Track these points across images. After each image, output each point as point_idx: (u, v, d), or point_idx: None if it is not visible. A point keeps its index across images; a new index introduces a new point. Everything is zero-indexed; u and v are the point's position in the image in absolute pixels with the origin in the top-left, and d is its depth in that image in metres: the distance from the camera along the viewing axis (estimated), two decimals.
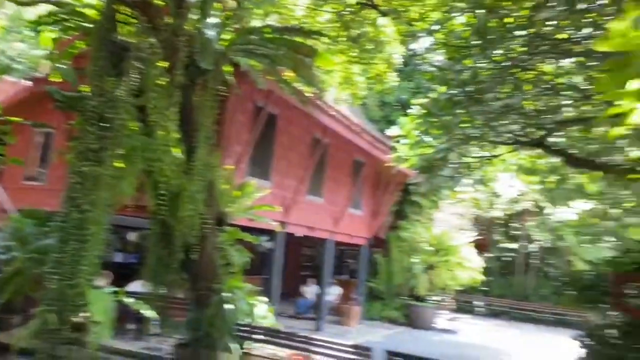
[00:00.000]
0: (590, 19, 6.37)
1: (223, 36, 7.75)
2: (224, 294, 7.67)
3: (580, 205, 14.63)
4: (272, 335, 8.09)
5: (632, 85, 1.98)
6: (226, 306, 7.54)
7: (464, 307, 23.21)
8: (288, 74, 8.06)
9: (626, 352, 5.80)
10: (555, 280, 22.47)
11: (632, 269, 6.67)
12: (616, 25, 1.84)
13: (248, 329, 8.05)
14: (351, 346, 7.47)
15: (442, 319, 18.69)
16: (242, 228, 9.35)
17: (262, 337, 8.04)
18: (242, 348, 7.70)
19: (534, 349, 15.58)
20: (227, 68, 7.78)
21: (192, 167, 7.18)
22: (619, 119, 2.22)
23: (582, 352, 6.60)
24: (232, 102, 10.48)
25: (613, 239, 12.40)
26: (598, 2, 6.00)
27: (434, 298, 18.14)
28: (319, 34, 8.38)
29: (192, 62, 7.18)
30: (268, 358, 7.82)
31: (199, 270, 7.65)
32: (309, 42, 7.82)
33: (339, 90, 11.62)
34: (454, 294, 20.48)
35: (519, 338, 17.78)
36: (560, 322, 20.90)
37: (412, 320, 17.67)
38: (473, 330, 18.74)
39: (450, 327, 18.26)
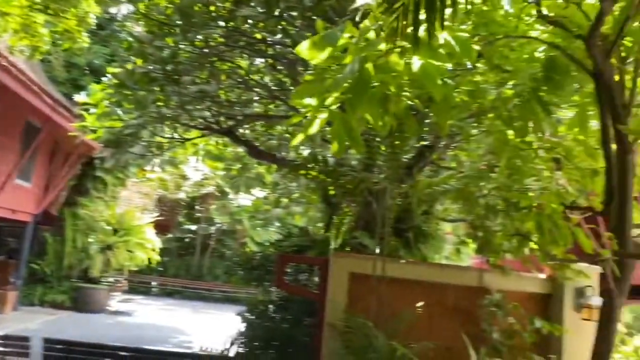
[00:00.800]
0: (282, 27, 7.05)
1: None
2: None
3: (257, 193, 16.19)
4: None
5: (311, 100, 2.25)
6: None
7: (138, 287, 22.90)
8: None
9: (280, 324, 6.69)
10: (229, 261, 24.29)
11: (292, 251, 7.72)
12: (310, 40, 2.04)
13: None
14: (1, 337, 6.44)
15: (116, 301, 17.99)
16: None
17: None
18: None
19: (203, 325, 16.48)
20: None
21: None
22: (301, 124, 2.49)
23: (243, 325, 7.25)
24: None
25: (279, 224, 14.01)
26: (290, 13, 6.67)
27: (109, 279, 17.30)
28: None
29: None
30: None
31: None
32: None
33: (15, 38, 9.85)
34: (129, 275, 19.97)
35: (190, 316, 18.55)
36: (229, 300, 22.69)
37: (81, 303, 16.44)
38: (147, 310, 18.64)
39: (125, 309, 17.74)
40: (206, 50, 7.26)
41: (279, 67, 8.69)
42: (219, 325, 16.31)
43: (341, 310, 5.74)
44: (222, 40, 7.54)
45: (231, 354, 7.31)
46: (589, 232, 4.44)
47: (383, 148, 5.90)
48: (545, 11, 3.61)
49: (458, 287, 6.12)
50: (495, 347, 5.60)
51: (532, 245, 4.59)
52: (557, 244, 4.32)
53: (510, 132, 4.32)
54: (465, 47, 2.32)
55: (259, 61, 8.73)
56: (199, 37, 7.10)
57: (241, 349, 6.89)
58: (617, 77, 3.82)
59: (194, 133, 9.96)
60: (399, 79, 2.24)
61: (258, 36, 7.73)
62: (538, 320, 5.48)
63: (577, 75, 4.02)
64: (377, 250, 6.29)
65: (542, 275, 6.29)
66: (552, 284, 6.15)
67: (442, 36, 1.95)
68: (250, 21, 7.22)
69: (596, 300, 5.63)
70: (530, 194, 4.36)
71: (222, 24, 7.24)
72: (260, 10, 6.52)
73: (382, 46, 2.03)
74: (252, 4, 6.52)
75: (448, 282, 6.15)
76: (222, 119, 9.32)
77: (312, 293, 6.65)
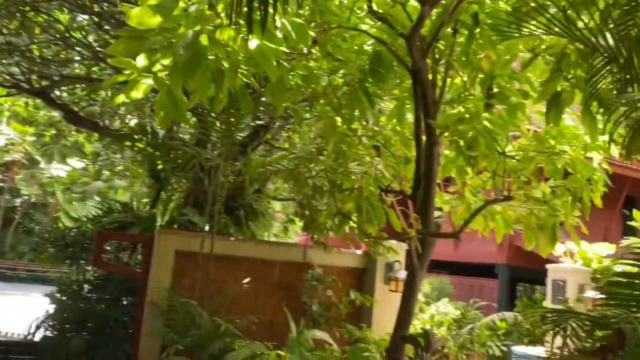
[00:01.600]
0: None
1: None
2: None
3: (74, 164, 14.77)
4: None
5: (140, 60, 2.10)
6: None
7: None
8: None
9: (96, 304, 6.24)
10: (38, 237, 21.84)
11: (114, 228, 7.21)
12: (136, 8, 1.89)
13: None
14: None
15: None
16: None
17: None
18: None
19: (4, 308, 14.65)
20: None
21: None
22: (124, 87, 2.31)
23: (52, 307, 6.62)
24: None
25: (99, 198, 13.05)
26: None
27: None
28: None
29: None
30: None
31: None
32: None
33: None
34: None
35: None
36: (37, 280, 20.49)
37: None
38: None
39: None
40: None
41: (105, 27, 7.95)
42: (24, 308, 14.65)
43: (165, 289, 5.57)
44: None
45: (36, 338, 6.63)
46: (399, 213, 4.94)
47: (217, 124, 5.80)
48: (375, 7, 3.87)
49: (284, 263, 6.36)
50: (314, 319, 5.96)
51: (352, 224, 4.97)
52: (372, 223, 4.73)
53: (338, 119, 4.59)
54: (300, 33, 2.38)
55: (82, 17, 7.88)
56: None
57: (49, 332, 6.29)
58: (430, 76, 4.28)
59: None
60: (235, 55, 2.21)
61: None
62: (353, 292, 5.96)
63: (398, 70, 4.41)
64: (207, 228, 6.22)
65: (359, 252, 6.84)
66: (367, 259, 6.73)
67: (278, 20, 1.97)
68: None
69: (402, 274, 6.32)
70: (352, 177, 4.67)
71: None
72: None
73: (217, 22, 1.98)
74: None
75: (275, 259, 6.34)
76: (34, 77, 8.25)
77: (134, 272, 6.33)
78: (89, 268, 6.84)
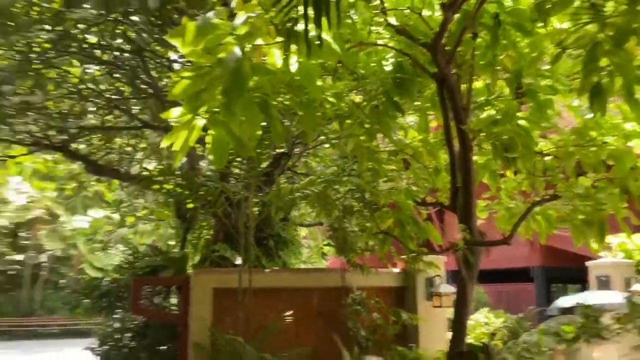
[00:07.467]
0: (122, 31, 6.53)
1: None
2: None
3: (95, 213, 14.82)
4: None
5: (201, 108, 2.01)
6: None
7: None
8: None
9: (138, 352, 6.13)
10: (66, 290, 21.85)
11: (145, 273, 7.15)
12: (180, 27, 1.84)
13: None
14: None
15: None
16: None
17: None
18: None
19: None
20: None
21: None
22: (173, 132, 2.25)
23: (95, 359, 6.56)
24: None
25: (123, 245, 13.02)
26: (132, 17, 6.20)
27: None
28: None
29: None
30: None
31: None
32: None
33: None
34: None
35: (22, 357, 16.29)
36: (69, 334, 20.40)
37: None
38: None
39: None
40: (31, 55, 6.41)
41: (116, 75, 8.04)
42: None
43: (207, 329, 5.46)
44: (48, 45, 6.73)
45: None
46: (437, 226, 4.82)
47: (240, 156, 5.75)
48: (393, 21, 3.82)
49: (322, 290, 6.23)
50: (360, 343, 5.79)
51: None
52: (413, 239, 4.60)
53: (362, 137, 4.51)
54: (329, 50, 2.32)
55: (94, 68, 7.98)
56: (22, 41, 6.25)
57: None
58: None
59: (18, 150, 8.75)
60: (275, 80, 2.15)
61: (92, 40, 7.06)
62: (404, 313, 5.78)
63: (421, 80, 4.34)
64: (239, 262, 6.12)
65: (396, 270, 6.69)
66: (406, 277, 6.57)
67: (322, 36, 1.90)
68: (81, 25, 6.54)
69: (445, 288, 6.15)
70: (387, 193, 4.57)
71: (48, 27, 6.47)
72: (96, 13, 5.94)
73: (260, 42, 1.92)
74: (86, 5, 5.91)
75: (313, 286, 6.22)
76: (52, 132, 8.32)
77: (172, 315, 6.23)
78: (126, 316, 6.76)
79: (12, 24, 6.04)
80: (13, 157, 8.52)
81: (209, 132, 2.09)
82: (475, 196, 4.19)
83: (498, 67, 4.07)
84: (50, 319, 21.77)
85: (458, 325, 4.23)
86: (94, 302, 7.05)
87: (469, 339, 6.21)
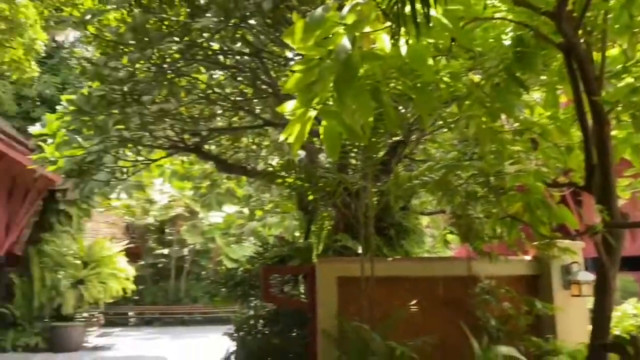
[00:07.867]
0: (240, 35, 6.90)
1: None
2: None
3: (228, 209, 15.89)
4: None
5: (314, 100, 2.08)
6: None
7: (115, 319, 22.15)
8: None
9: (271, 338, 6.49)
10: (207, 281, 23.78)
11: (274, 262, 7.53)
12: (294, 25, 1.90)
13: None
14: None
15: (94, 337, 17.32)
16: None
17: None
18: None
19: (188, 350, 16.03)
20: None
21: None
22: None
23: (232, 344, 7.03)
24: None
25: (254, 238, 13.76)
26: (247, 20, 6.53)
27: (83, 315, 16.63)
28: None
29: None
30: None
31: None
32: None
33: None
34: (104, 308, 19.24)
35: (173, 342, 18.03)
36: (211, 321, 22.17)
37: (57, 344, 15.71)
38: (127, 342, 18.02)
39: (104, 344, 17.09)
40: (164, 66, 7.03)
41: (239, 78, 8.52)
42: (204, 348, 15.92)
43: (333, 316, 5.61)
44: (178, 55, 7.33)
45: None
46: (573, 208, 4.45)
47: (356, 146, 5.79)
48: None
49: (447, 279, 6.08)
50: (490, 334, 5.56)
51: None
52: (545, 223, 4.30)
53: (484, 118, 4.30)
54: (456, 27, 2.23)
55: (218, 73, 8.54)
56: (155, 53, 6.88)
57: None
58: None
59: (158, 154, 9.68)
60: (385, 66, 2.13)
61: (216, 47, 7.55)
62: (538, 302, 5.46)
63: (545, 52, 4.02)
64: (360, 251, 6.19)
65: (527, 257, 6.31)
66: (539, 264, 6.17)
67: (432, 14, 1.86)
68: (205, 34, 7.04)
69: (584, 275, 5.67)
70: (515, 175, 4.32)
71: (176, 38, 7.04)
72: (216, 20, 6.34)
73: (368, 29, 1.92)
74: (208, 14, 6.34)
75: (437, 275, 6.10)
76: (186, 136, 9.08)
77: (301, 302, 6.49)
78: (258, 304, 7.18)
79: (147, 39, 6.68)
80: (155, 160, 9.42)
81: (322, 123, 2.14)
82: (614, 174, 3.80)
83: (636, 29, 3.65)
84: (193, 307, 23.85)
85: (600, 315, 3.88)
86: (230, 291, 7.58)
87: (616, 331, 5.68)
